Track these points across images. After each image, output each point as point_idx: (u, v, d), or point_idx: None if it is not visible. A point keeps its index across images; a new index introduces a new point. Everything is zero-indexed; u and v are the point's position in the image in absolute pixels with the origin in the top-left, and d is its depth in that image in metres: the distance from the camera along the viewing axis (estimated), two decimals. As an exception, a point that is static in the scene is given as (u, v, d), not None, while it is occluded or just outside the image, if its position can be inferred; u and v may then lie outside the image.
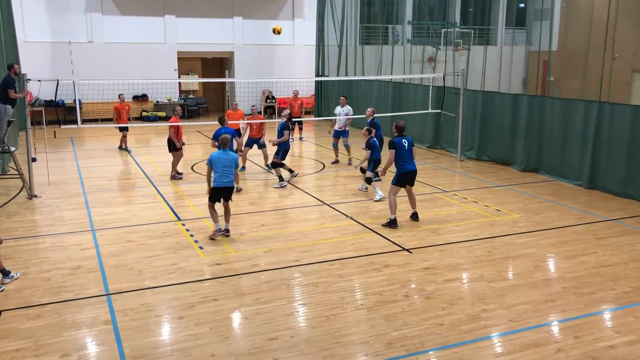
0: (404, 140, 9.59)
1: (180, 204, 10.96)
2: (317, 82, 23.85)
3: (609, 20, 18.63)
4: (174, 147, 12.78)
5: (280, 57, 25.93)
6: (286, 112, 12.91)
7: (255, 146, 13.69)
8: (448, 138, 16.51)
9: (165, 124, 12.90)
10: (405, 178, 9.59)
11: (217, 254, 8.25)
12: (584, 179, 12.30)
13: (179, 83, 25.38)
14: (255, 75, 24.94)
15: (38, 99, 20.65)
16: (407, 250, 8.44)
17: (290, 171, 12.68)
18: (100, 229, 9.41)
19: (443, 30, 26.82)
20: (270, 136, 14.27)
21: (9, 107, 11.58)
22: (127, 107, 16.38)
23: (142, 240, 8.82)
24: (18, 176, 11.64)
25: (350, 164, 14.17)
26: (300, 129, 18.73)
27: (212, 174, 8.81)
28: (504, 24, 29.01)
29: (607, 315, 6.50)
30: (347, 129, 14.68)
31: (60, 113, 20.44)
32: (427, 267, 7.78)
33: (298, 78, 24.44)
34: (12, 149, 12.00)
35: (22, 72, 11.78)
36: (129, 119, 16.53)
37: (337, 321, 6.23)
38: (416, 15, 27.23)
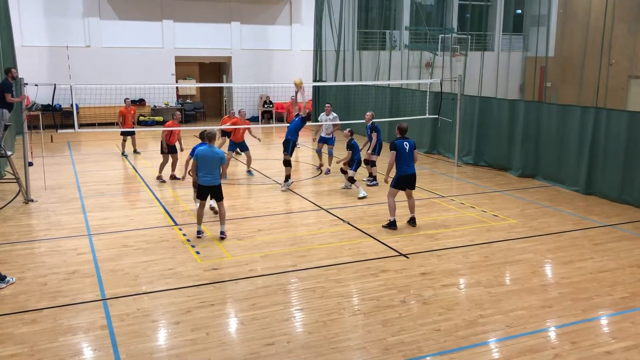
0: (405, 142, 9.59)
1: (177, 209, 10.95)
2: (314, 87, 23.88)
3: (606, 26, 18.69)
4: (168, 150, 12.92)
5: (278, 62, 25.97)
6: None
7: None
8: (445, 143, 16.54)
9: (164, 129, 12.93)
10: (404, 181, 9.58)
11: (213, 259, 8.23)
12: (580, 184, 12.32)
13: (177, 88, 25.39)
14: (252, 80, 24.96)
15: (35, 103, 20.57)
16: (404, 255, 8.43)
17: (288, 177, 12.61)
18: (96, 233, 9.38)
19: (440, 35, 26.90)
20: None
21: (5, 111, 11.57)
22: (132, 112, 16.37)
23: (138, 245, 8.80)
24: (14, 180, 11.62)
25: (328, 172, 13.57)
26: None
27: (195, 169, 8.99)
28: (501, 29, 29.12)
29: (604, 321, 6.50)
30: (333, 136, 14.46)
31: (57, 117, 20.38)
32: (424, 273, 7.77)
33: (296, 83, 24.45)
34: (9, 153, 11.97)
35: (20, 76, 11.76)
36: (133, 124, 16.52)
37: (334, 326, 6.21)
38: (413, 21, 27.33)
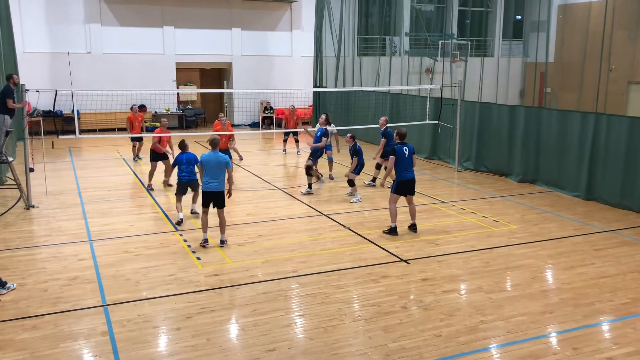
0: (405, 147, 9.63)
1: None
2: (315, 93, 23.93)
3: (605, 32, 18.75)
4: (154, 157, 12.93)
5: (279, 68, 26.04)
6: (322, 117, 13.31)
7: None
8: (445, 149, 16.55)
9: (154, 136, 12.98)
10: (404, 186, 9.60)
11: (214, 265, 8.23)
12: (581, 190, 12.33)
13: (178, 94, 25.43)
14: (253, 86, 25.02)
15: (36, 109, 20.65)
16: (405, 261, 8.43)
17: (318, 178, 13.03)
18: (97, 239, 9.39)
19: (440, 41, 26.99)
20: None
21: (7, 117, 11.59)
22: (139, 118, 16.37)
23: (139, 251, 8.80)
24: (16, 186, 11.63)
25: (332, 178, 14.03)
26: (297, 141, 18.42)
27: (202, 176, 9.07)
28: (501, 35, 29.20)
29: (605, 327, 6.49)
30: (329, 142, 14.47)
31: (59, 123, 20.46)
32: (425, 278, 7.77)
33: (296, 89, 24.52)
34: (10, 159, 11.99)
35: (21, 82, 11.79)
36: (142, 129, 16.51)
37: (335, 332, 6.21)
38: (413, 26, 27.40)
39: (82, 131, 14.69)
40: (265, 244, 9.20)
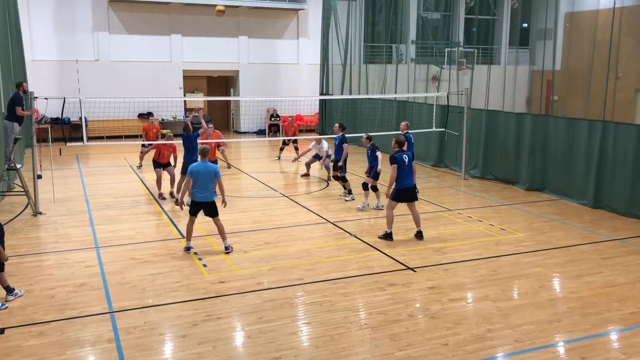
0: (404, 155, 9.65)
1: (184, 222, 10.94)
2: (321, 100, 23.98)
3: (612, 40, 18.74)
4: (154, 165, 12.92)
5: (285, 75, 26.12)
6: (336, 126, 13.26)
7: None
8: (452, 156, 16.53)
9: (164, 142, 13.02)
10: (403, 194, 9.60)
11: (220, 272, 8.23)
12: (588, 198, 12.26)
13: (184, 101, 25.54)
14: (260, 93, 25.10)
15: (44, 116, 20.82)
16: (412, 269, 8.40)
17: (344, 187, 12.97)
18: (104, 246, 9.41)
19: (447, 49, 27.02)
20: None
21: (16, 124, 11.68)
22: (154, 130, 16.36)
23: (146, 258, 8.82)
24: (23, 193, 11.69)
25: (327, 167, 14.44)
26: (296, 149, 18.26)
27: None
28: (508, 43, 29.21)
29: (614, 336, 6.44)
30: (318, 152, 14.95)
31: (66, 130, 20.57)
32: (432, 287, 7.74)
33: (302, 97, 24.60)
34: (18, 166, 12.06)
35: (30, 90, 11.89)
36: (157, 138, 16.49)
37: (341, 341, 6.19)
38: (420, 34, 27.45)
39: (89, 138, 14.77)
40: (272, 251, 9.20)
